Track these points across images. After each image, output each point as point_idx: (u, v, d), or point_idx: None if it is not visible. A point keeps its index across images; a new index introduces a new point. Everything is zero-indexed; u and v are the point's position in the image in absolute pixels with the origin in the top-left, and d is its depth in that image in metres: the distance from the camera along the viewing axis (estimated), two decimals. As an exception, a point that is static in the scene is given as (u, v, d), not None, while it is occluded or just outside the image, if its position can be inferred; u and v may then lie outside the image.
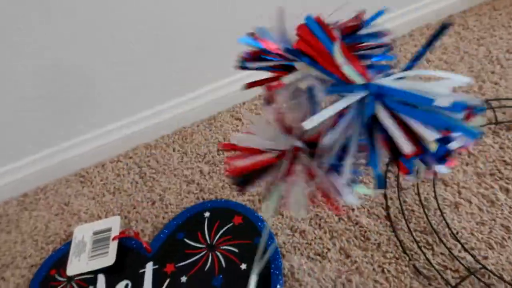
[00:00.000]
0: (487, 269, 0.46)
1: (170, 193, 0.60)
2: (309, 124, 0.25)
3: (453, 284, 0.45)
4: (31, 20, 0.53)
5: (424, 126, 0.23)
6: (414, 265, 0.48)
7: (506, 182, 0.55)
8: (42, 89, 0.58)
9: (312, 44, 0.25)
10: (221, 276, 0.49)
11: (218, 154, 0.66)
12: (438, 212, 0.53)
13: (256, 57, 0.31)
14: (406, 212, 0.54)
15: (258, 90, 0.76)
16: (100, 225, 0.55)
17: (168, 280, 0.49)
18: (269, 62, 0.31)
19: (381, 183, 0.28)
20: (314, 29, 0.25)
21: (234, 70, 0.73)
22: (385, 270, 0.48)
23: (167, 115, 0.70)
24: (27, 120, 0.60)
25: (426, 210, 0.53)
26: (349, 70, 0.24)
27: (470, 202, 0.54)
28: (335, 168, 0.30)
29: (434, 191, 0.55)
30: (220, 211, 0.56)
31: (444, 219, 0.52)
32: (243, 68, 0.32)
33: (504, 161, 0.58)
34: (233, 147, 0.34)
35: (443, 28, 0.26)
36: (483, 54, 0.77)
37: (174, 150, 0.68)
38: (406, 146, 0.23)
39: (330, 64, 0.25)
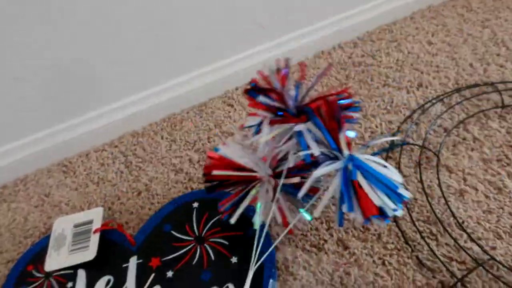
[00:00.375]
0: (495, 260, 0.43)
1: (157, 183, 0.57)
2: (318, 173, 0.37)
3: (460, 276, 0.42)
4: (31, 20, 0.51)
5: (389, 198, 0.36)
6: (417, 257, 0.45)
7: (514, 168, 0.52)
8: (22, 74, 0.55)
9: (330, 113, 0.38)
10: (210, 270, 0.45)
11: (208, 142, 0.62)
12: (442, 201, 0.49)
13: (262, 90, 0.42)
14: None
15: (252, 75, 0.72)
16: (81, 217, 0.52)
17: (153, 275, 0.46)
18: (271, 101, 0.41)
19: (341, 222, 0.40)
20: (336, 109, 0.38)
21: (225, 53, 0.70)
22: (386, 262, 0.45)
23: (155, 101, 0.66)
24: (5, 107, 0.56)
25: (429, 198, 0.50)
26: (343, 142, 0.38)
27: (476, 190, 0.50)
28: (295, 195, 0.41)
29: (438, 179, 0.52)
30: (209, 202, 0.52)
31: (449, 207, 0.48)
32: (251, 95, 0.42)
33: (512, 146, 0.54)
34: (219, 159, 0.43)
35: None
36: (488, 37, 0.74)
37: (162, 137, 0.64)
38: (380, 202, 0.36)
39: (334, 134, 0.38)
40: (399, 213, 0.37)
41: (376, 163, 0.39)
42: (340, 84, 0.68)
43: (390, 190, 0.37)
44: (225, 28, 0.66)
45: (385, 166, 0.39)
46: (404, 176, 0.53)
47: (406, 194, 0.38)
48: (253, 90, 0.42)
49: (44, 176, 0.61)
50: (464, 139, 0.56)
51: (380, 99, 0.64)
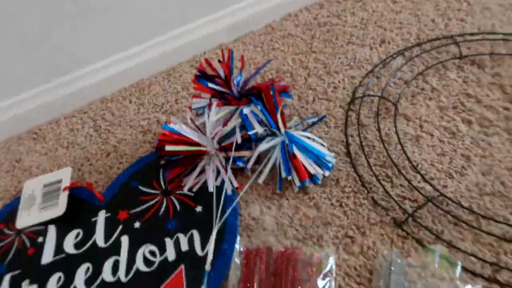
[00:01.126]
0: (445, 196, 0.45)
1: (126, 144, 0.58)
2: (260, 148, 0.48)
3: (410, 212, 0.44)
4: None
5: (317, 166, 0.48)
6: (372, 198, 0.47)
7: (469, 114, 0.54)
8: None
9: (270, 99, 0.48)
10: (175, 219, 0.47)
11: (176, 104, 0.63)
12: (399, 147, 0.51)
13: (208, 76, 0.50)
14: (366, 148, 0.52)
15: (220, 39, 0.73)
16: (50, 178, 0.53)
17: (121, 227, 0.48)
18: (218, 87, 0.50)
19: (280, 186, 0.49)
20: (273, 93, 0.47)
21: (192, 16, 0.70)
22: (343, 204, 0.47)
23: (124, 67, 0.67)
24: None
25: (386, 145, 0.52)
26: (280, 123, 0.48)
27: (432, 135, 0.52)
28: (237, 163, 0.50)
29: (395, 126, 0.53)
30: (176, 158, 0.54)
31: (405, 152, 0.50)
32: (199, 80, 0.50)
33: (468, 94, 0.56)
34: (171, 136, 0.48)
35: None
36: (450, -7, 0.75)
37: (130, 102, 0.65)
38: (312, 169, 0.48)
39: (272, 113, 0.48)
40: (327, 174, 0.49)
41: (307, 137, 0.50)
42: (306, 44, 0.69)
43: (318, 158, 0.48)
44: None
45: (314, 139, 0.50)
46: (363, 125, 0.55)
47: (331, 160, 0.49)
48: (201, 77, 0.50)
49: (15, 143, 0.62)
50: (422, 89, 0.58)
51: (343, 56, 0.66)
